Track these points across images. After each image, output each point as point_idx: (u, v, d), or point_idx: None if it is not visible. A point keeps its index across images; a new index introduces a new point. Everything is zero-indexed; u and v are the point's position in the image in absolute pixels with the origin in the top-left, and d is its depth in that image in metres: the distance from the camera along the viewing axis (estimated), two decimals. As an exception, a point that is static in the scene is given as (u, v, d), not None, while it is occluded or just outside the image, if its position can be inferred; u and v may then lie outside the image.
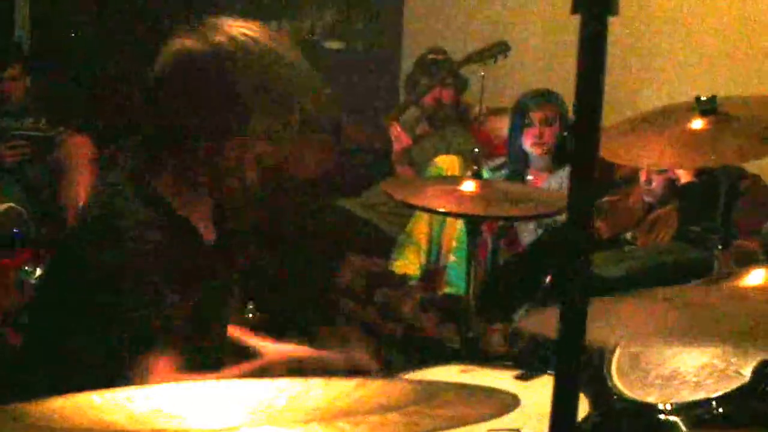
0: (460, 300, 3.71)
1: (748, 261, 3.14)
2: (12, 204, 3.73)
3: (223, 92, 1.82)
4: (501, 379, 2.34)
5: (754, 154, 2.16)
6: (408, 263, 4.01)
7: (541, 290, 2.44)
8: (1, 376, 2.41)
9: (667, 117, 2.29)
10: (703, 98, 2.24)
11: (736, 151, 2.15)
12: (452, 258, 3.87)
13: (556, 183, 3.80)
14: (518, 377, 2.35)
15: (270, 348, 2.17)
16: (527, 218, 2.43)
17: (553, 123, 3.84)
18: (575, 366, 0.82)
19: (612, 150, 2.25)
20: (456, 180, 2.49)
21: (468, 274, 2.62)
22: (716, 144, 2.15)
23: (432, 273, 3.99)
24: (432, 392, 0.97)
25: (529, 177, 3.92)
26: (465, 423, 0.79)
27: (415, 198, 2.45)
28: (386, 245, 4.14)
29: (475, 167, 2.48)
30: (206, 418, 1.04)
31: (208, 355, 1.96)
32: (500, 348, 3.17)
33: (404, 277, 3.97)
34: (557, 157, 3.87)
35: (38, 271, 3.34)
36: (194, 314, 1.89)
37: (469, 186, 2.46)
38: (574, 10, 0.76)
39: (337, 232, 4.15)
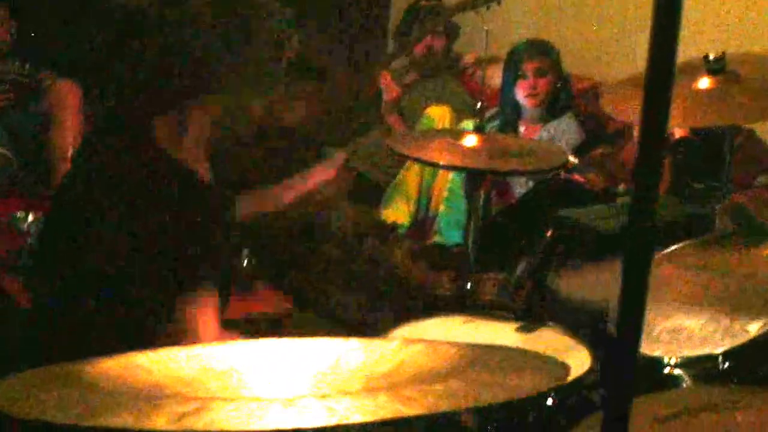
0: (449, 249, 3.74)
1: (738, 215, 3.18)
2: (1, 150, 3.69)
3: (218, 39, 1.82)
4: (502, 330, 2.36)
5: (763, 115, 2.16)
6: (398, 212, 4.02)
7: (543, 243, 2.45)
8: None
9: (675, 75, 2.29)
10: (712, 57, 2.23)
11: (745, 111, 2.15)
12: (443, 208, 3.88)
13: (547, 134, 3.80)
14: (519, 329, 2.38)
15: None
16: (529, 173, 2.43)
17: (546, 74, 3.82)
18: (636, 336, 0.82)
19: (618, 108, 2.25)
20: (458, 134, 2.49)
21: (467, 224, 2.62)
22: (724, 104, 2.15)
23: (422, 222, 4.00)
24: (476, 357, 0.97)
25: (522, 128, 3.91)
26: (528, 392, 0.79)
27: (418, 152, 2.45)
28: (375, 194, 4.14)
29: (478, 121, 2.48)
30: (251, 379, 1.05)
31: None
32: (492, 297, 3.19)
33: (394, 226, 3.98)
34: (550, 108, 3.87)
35: (30, 218, 3.32)
36: (193, 259, 1.88)
37: (471, 140, 2.45)
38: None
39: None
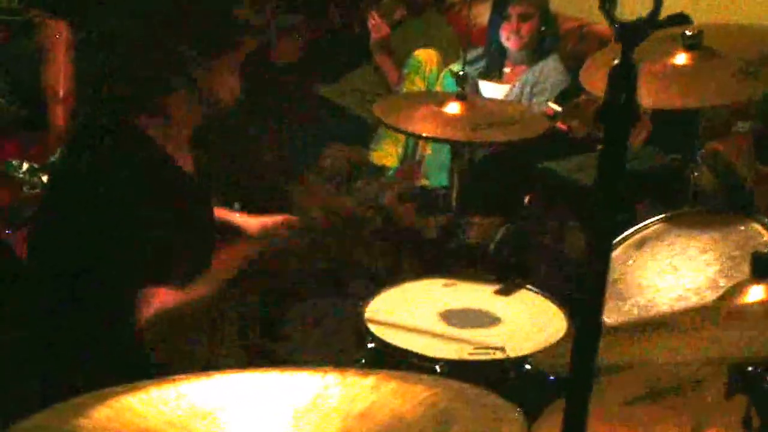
0: (436, 192, 3.82)
1: (717, 165, 3.24)
2: (-5, 98, 3.71)
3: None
4: (482, 293, 2.45)
5: (740, 94, 2.18)
6: (386, 154, 4.08)
7: (522, 209, 2.52)
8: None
9: (650, 49, 2.31)
10: (689, 32, 2.25)
11: (722, 90, 2.17)
12: (429, 151, 3.94)
13: (533, 77, 3.83)
14: (498, 292, 2.46)
15: (251, 222, 2.32)
16: (512, 143, 2.49)
17: (530, 18, 3.83)
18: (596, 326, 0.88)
19: (595, 84, 2.29)
20: (442, 101, 2.54)
21: (451, 170, 2.68)
22: (701, 82, 2.18)
23: (409, 165, 4.06)
24: (443, 412, 1.06)
25: (506, 69, 3.94)
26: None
27: (402, 122, 2.50)
28: (364, 133, 4.19)
29: (461, 89, 2.53)
30: (235, 420, 1.13)
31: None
32: (475, 240, 3.28)
33: (383, 168, 4.05)
34: (536, 50, 3.89)
35: (24, 165, 3.35)
36: (181, 245, 1.95)
37: (454, 108, 2.51)
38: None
39: (316, 119, 4.19)
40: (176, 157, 1.96)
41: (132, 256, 1.84)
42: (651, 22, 0.81)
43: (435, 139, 2.90)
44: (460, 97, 2.50)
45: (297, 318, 2.33)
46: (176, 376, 1.19)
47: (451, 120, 2.45)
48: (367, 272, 3.34)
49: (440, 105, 2.51)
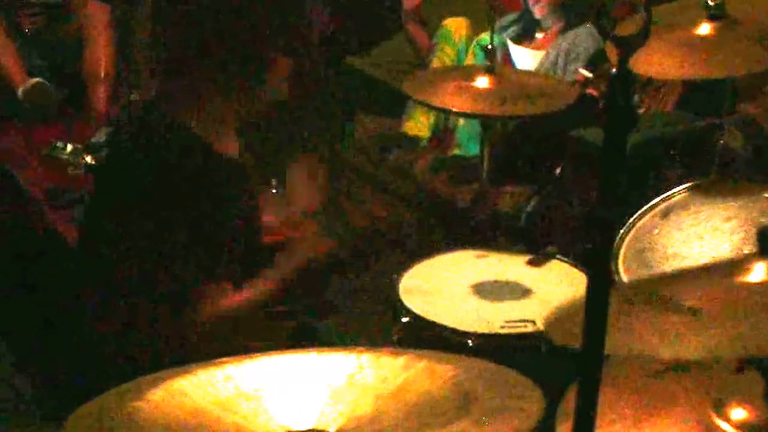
0: (469, 161, 3.87)
1: (749, 129, 3.26)
2: (40, 79, 3.80)
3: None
4: (513, 264, 2.51)
5: (765, 62, 2.19)
6: (418, 124, 4.13)
7: (552, 180, 2.57)
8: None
9: (674, 19, 2.33)
10: (712, 2, 2.28)
11: (745, 60, 2.19)
12: (461, 120, 3.99)
13: (566, 44, 3.85)
14: (529, 262, 2.52)
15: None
16: (542, 116, 2.53)
17: None
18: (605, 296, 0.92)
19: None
20: (471, 75, 2.59)
21: (482, 139, 2.73)
22: (724, 53, 2.20)
23: (443, 135, 4.11)
24: (467, 391, 1.14)
25: (539, 35, 3.98)
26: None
27: (431, 97, 2.56)
28: (397, 103, 4.24)
29: (489, 63, 2.58)
30: (276, 399, 1.22)
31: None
32: (506, 210, 3.33)
33: (415, 139, 4.10)
34: (567, 17, 3.91)
35: (69, 147, 3.44)
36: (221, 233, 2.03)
37: (483, 81, 2.56)
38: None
39: (348, 91, 4.24)
40: (217, 143, 2.03)
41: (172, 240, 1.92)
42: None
43: (464, 114, 2.95)
44: (489, 70, 2.55)
45: (331, 293, 2.41)
46: (222, 359, 1.28)
47: (481, 94, 2.50)
48: (400, 244, 3.41)
49: (469, 79, 2.56)
